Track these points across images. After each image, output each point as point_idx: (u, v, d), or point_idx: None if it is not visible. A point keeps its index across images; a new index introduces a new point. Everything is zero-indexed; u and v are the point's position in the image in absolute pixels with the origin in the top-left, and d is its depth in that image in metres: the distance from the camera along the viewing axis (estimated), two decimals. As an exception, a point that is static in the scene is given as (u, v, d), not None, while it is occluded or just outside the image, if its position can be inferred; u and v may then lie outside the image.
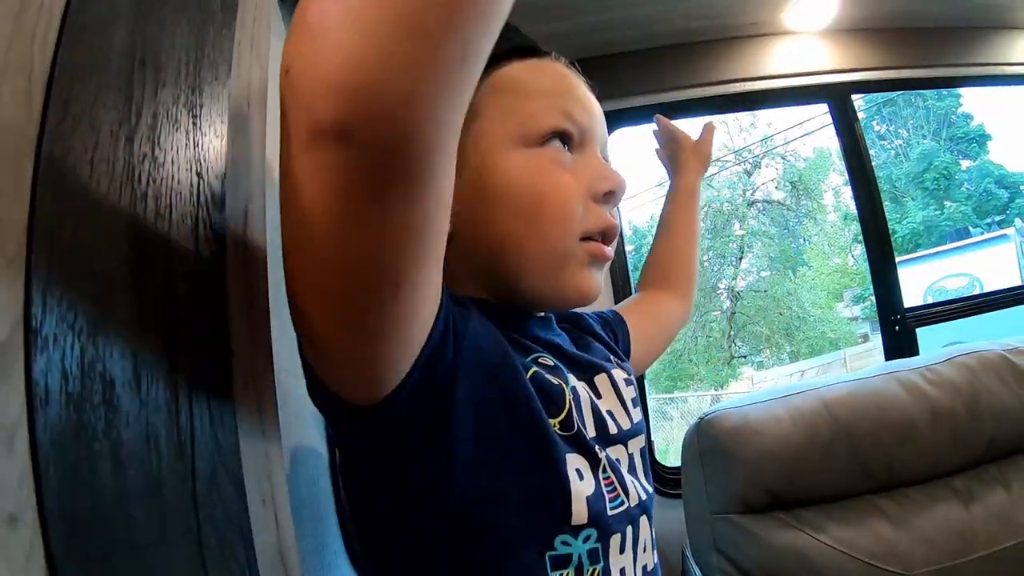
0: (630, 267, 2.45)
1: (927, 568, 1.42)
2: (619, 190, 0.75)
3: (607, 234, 0.74)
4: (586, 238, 0.73)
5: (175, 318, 0.37)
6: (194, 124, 0.42)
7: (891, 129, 20.80)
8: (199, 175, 0.41)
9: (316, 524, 0.82)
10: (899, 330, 2.51)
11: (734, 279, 18.04)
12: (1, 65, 0.31)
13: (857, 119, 2.56)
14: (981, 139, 19.81)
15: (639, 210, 19.64)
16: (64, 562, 0.29)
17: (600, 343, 0.90)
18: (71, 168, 0.33)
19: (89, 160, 0.34)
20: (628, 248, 2.87)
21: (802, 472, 1.49)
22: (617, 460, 0.72)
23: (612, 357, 0.87)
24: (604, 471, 0.67)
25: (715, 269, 18.08)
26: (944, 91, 16.91)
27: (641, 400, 0.90)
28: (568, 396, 0.68)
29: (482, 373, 0.60)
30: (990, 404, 1.59)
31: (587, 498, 0.63)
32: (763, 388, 1.79)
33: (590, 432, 0.70)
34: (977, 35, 2.63)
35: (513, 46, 0.77)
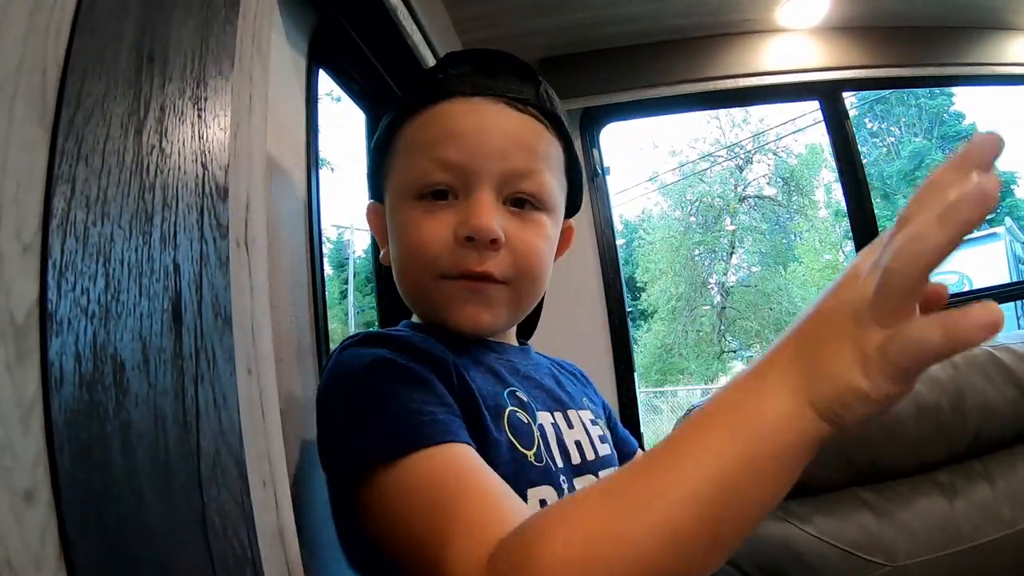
0: (620, 260, 2.46)
1: (910, 560, 1.44)
2: (475, 234, 0.77)
3: (472, 275, 0.80)
4: (447, 276, 0.80)
5: (181, 304, 0.38)
6: (199, 117, 0.43)
7: (883, 127, 20.89)
8: (204, 166, 0.43)
9: (310, 512, 0.84)
10: (887, 326, 2.53)
11: (724, 274, 18.13)
12: (18, 60, 0.32)
13: (848, 116, 2.58)
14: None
15: (629, 204, 19.68)
16: (77, 538, 0.31)
17: (579, 386, 0.99)
18: (84, 159, 0.34)
19: (101, 151, 0.35)
20: (619, 242, 2.89)
21: (789, 464, 1.51)
22: None
23: (586, 400, 0.94)
24: None
25: (706, 264, 18.14)
26: (936, 90, 16.97)
27: (632, 430, 0.95)
28: (536, 433, 0.76)
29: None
30: (974, 400, 1.61)
31: None
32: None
33: (558, 462, 0.77)
34: (969, 35, 2.64)
35: (415, 100, 0.86)
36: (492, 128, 0.81)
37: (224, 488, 0.38)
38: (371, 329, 0.85)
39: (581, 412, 0.88)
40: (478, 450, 0.66)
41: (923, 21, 2.52)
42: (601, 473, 0.82)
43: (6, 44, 0.32)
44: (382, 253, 0.92)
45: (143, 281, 0.36)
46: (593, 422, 0.89)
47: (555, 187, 0.87)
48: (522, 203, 0.83)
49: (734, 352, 18.27)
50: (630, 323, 2.45)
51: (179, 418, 0.37)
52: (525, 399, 0.80)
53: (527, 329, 1.08)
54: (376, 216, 0.94)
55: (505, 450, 0.71)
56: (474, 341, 0.85)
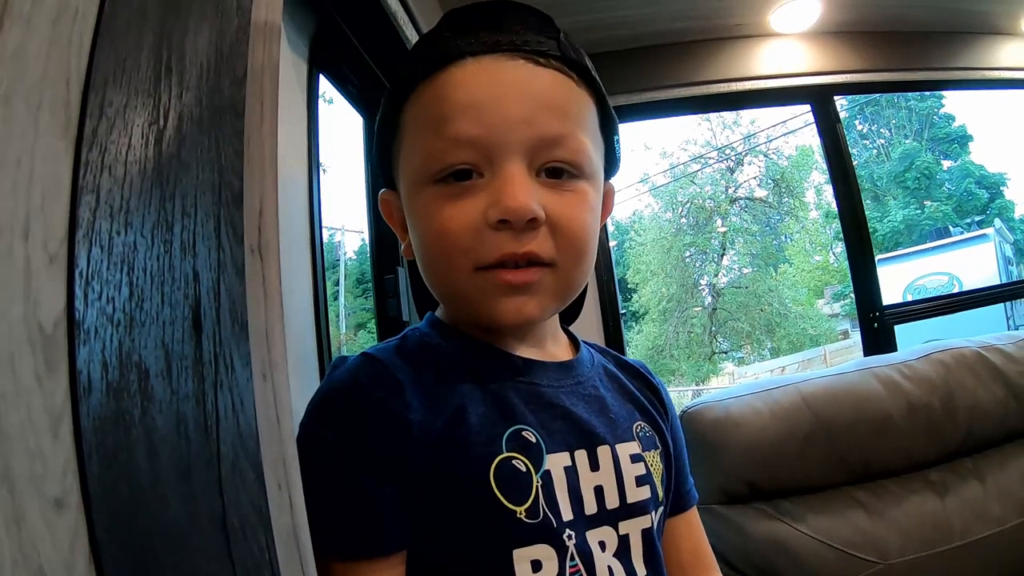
0: (613, 262, 2.47)
1: (903, 558, 1.46)
2: (510, 216, 0.67)
3: (509, 261, 0.69)
4: (485, 267, 0.70)
5: (200, 311, 0.39)
6: (215, 125, 0.44)
7: (873, 129, 20.99)
8: (219, 174, 0.43)
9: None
10: (877, 327, 2.56)
11: (716, 276, 18.17)
12: (42, 71, 0.33)
13: (839, 120, 2.60)
14: (962, 140, 20.05)
15: (621, 206, 19.71)
16: (107, 544, 0.31)
17: (636, 404, 0.85)
18: (107, 169, 0.35)
19: (124, 161, 0.36)
20: (611, 244, 2.90)
21: (782, 464, 1.53)
22: (601, 543, 0.70)
23: (640, 422, 0.82)
24: (571, 558, 0.67)
25: (697, 265, 18.19)
26: (926, 92, 17.07)
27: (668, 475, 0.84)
28: (535, 484, 0.67)
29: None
30: (965, 399, 1.64)
31: None
32: (744, 382, 1.82)
33: (565, 515, 0.68)
34: (959, 40, 2.67)
35: (417, 69, 0.74)
36: (513, 91, 0.70)
37: (243, 492, 0.39)
38: (343, 364, 0.74)
39: (619, 446, 0.76)
40: (435, 524, 0.65)
41: (913, 27, 2.55)
42: (628, 522, 0.73)
43: (30, 55, 0.33)
44: (403, 246, 0.82)
45: (165, 289, 0.37)
46: (636, 458, 0.77)
47: (592, 150, 0.75)
48: (559, 172, 0.72)
49: (725, 353, 18.33)
50: (622, 325, 2.47)
51: (200, 423, 0.37)
52: (535, 439, 0.70)
53: (571, 313, 0.95)
54: (390, 206, 0.83)
55: (480, 509, 0.65)
56: (494, 359, 0.76)
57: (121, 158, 0.36)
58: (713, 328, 17.75)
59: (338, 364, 0.74)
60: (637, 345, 17.75)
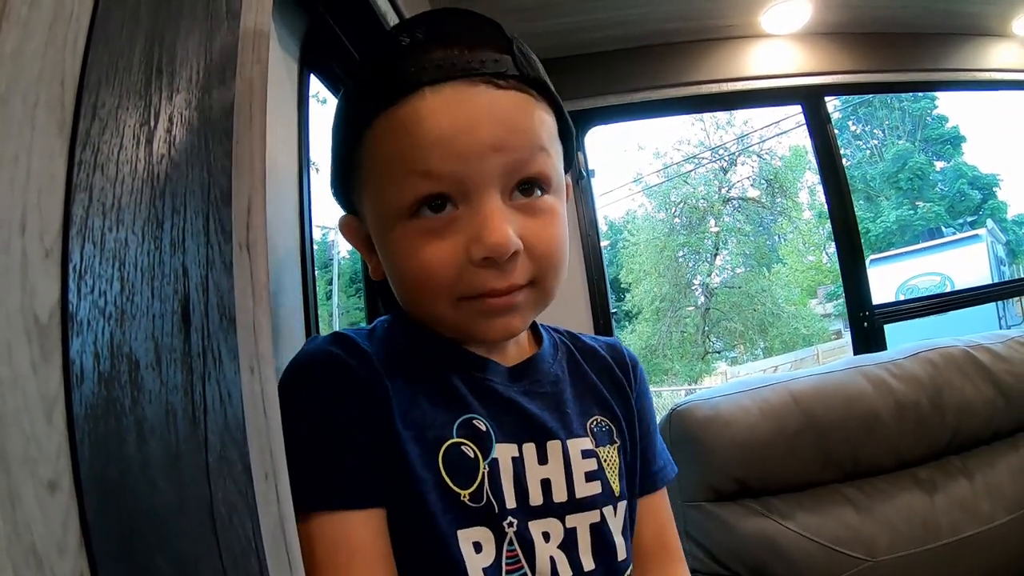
0: (605, 262, 2.49)
1: (891, 554, 1.48)
2: (495, 255, 0.68)
3: (496, 293, 0.71)
4: (467, 297, 0.72)
5: (189, 306, 0.40)
6: (204, 125, 0.45)
7: (867, 129, 21.05)
8: (208, 173, 0.44)
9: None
10: (867, 326, 2.58)
11: (709, 275, 18.20)
12: (39, 71, 0.34)
13: (830, 120, 2.62)
14: (955, 141, 20.10)
15: (614, 206, 19.75)
16: (97, 526, 0.33)
17: (595, 396, 0.87)
18: (100, 168, 0.36)
19: (115, 161, 0.37)
20: (603, 243, 2.91)
21: (770, 461, 1.54)
22: (545, 534, 0.72)
23: (596, 417, 0.84)
24: (510, 543, 0.70)
25: (690, 265, 18.21)
26: (919, 93, 17.12)
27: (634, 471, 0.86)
28: (482, 470, 0.71)
29: None
30: (952, 398, 1.65)
31: (483, 569, 0.68)
32: (734, 381, 1.84)
33: (509, 503, 0.71)
34: (949, 41, 2.69)
35: (372, 95, 0.72)
36: (479, 120, 0.68)
37: (230, 480, 0.40)
38: (320, 337, 0.77)
39: (571, 442, 0.78)
40: (397, 488, 0.68)
41: (904, 28, 2.57)
42: (575, 516, 0.75)
43: (27, 56, 0.34)
44: (371, 267, 0.82)
45: (155, 284, 0.38)
46: (587, 453, 0.79)
47: (557, 161, 0.76)
48: (530, 190, 0.73)
49: (718, 353, 18.36)
50: (614, 324, 2.48)
51: (188, 414, 0.39)
52: (484, 428, 0.73)
53: None
54: (353, 230, 0.83)
55: (431, 487, 0.68)
56: (453, 354, 0.79)
57: (113, 157, 0.37)
58: (706, 328, 17.77)
59: (310, 340, 0.77)
60: (630, 344, 17.58)
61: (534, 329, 0.90)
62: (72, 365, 0.33)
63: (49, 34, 0.35)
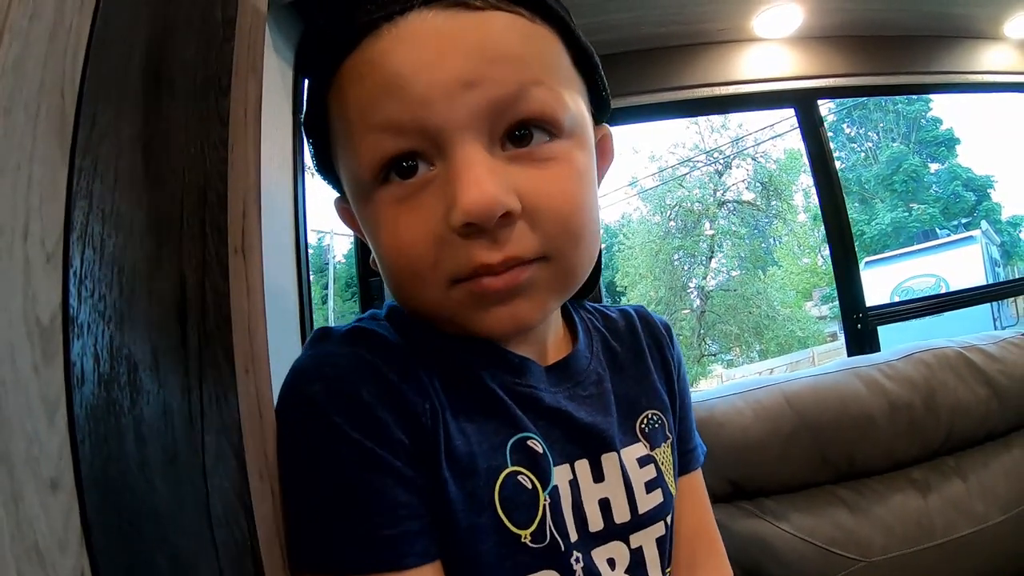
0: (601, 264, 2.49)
1: (885, 555, 1.48)
2: (476, 219, 0.52)
3: (482, 271, 0.55)
4: (458, 280, 0.56)
5: (186, 309, 0.41)
6: (201, 132, 0.46)
7: (861, 132, 21.07)
8: (205, 179, 0.45)
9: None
10: (861, 328, 2.58)
11: (704, 278, 18.19)
12: (39, 81, 0.35)
13: (822, 123, 2.63)
14: (950, 143, 20.15)
15: (609, 209, 19.77)
16: (97, 523, 0.34)
17: (642, 383, 0.74)
18: (99, 176, 0.37)
19: (114, 168, 0.38)
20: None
21: (764, 463, 1.54)
22: (610, 560, 0.61)
23: (646, 412, 0.71)
24: None
25: (685, 268, 18.22)
26: (912, 96, 17.17)
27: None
28: (543, 503, 0.58)
29: None
30: (946, 399, 1.65)
31: None
32: (729, 383, 1.84)
33: (572, 536, 0.59)
34: (942, 44, 2.70)
35: (326, 47, 0.59)
36: (444, 51, 0.53)
37: (226, 479, 0.41)
38: (332, 331, 0.62)
39: (624, 451, 0.66)
40: (445, 538, 0.54)
41: (896, 31, 2.58)
42: (640, 534, 0.64)
43: (28, 67, 0.35)
44: (372, 256, 0.66)
45: (153, 288, 0.39)
46: (645, 460, 0.67)
47: (565, 96, 0.58)
48: (526, 136, 0.56)
49: (714, 356, 18.37)
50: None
51: (185, 414, 0.39)
52: (541, 449, 0.59)
53: (586, 285, 0.70)
54: (348, 213, 0.68)
55: (487, 532, 0.55)
56: (486, 358, 0.62)
57: (112, 165, 0.38)
58: (702, 331, 17.77)
59: (322, 336, 0.62)
60: (627, 347, 17.66)
61: (566, 316, 0.75)
62: (73, 367, 0.34)
63: (49, 45, 0.36)
